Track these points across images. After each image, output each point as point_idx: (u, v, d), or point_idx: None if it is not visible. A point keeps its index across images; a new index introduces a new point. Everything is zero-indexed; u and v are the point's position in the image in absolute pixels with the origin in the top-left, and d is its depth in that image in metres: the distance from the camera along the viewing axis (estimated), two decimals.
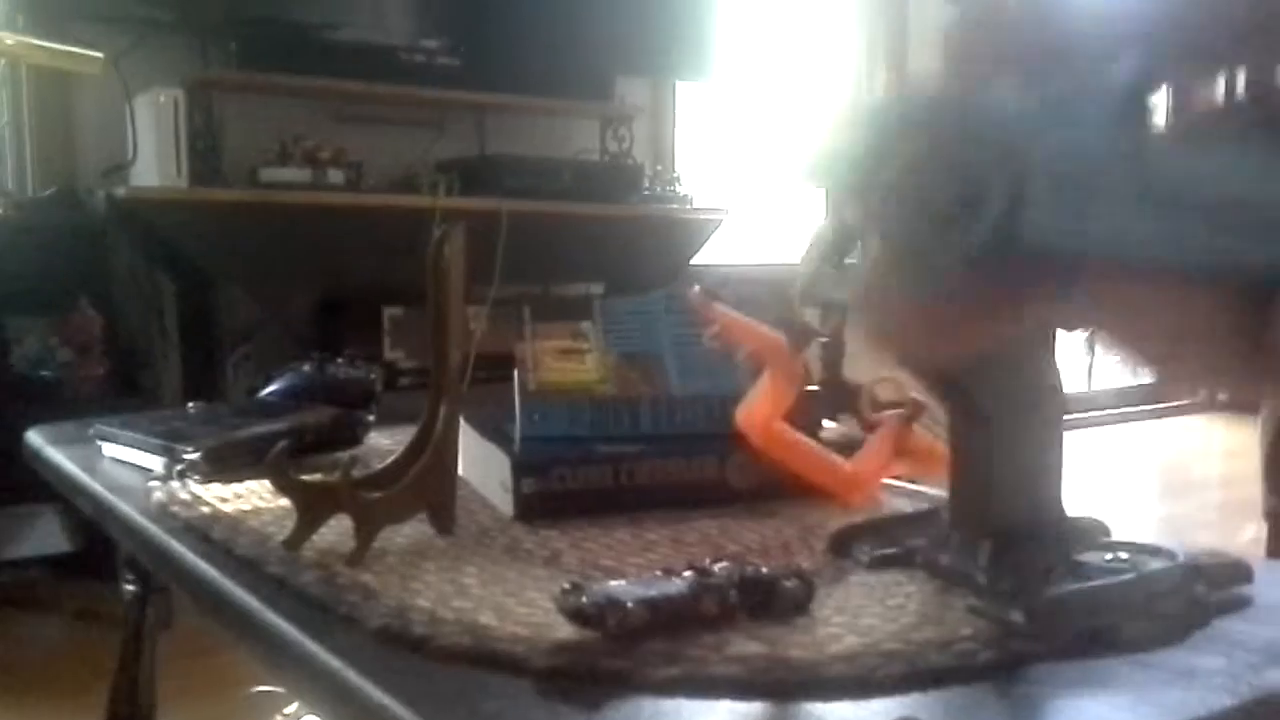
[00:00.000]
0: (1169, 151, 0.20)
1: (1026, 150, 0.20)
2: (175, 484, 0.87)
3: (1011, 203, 0.20)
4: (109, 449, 0.99)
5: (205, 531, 0.74)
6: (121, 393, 2.47)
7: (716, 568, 0.57)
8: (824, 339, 0.86)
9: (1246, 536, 2.65)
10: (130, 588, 1.19)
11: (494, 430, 0.86)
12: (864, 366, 0.83)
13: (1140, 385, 4.62)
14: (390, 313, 2.82)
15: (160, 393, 2.65)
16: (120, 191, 2.53)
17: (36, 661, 2.15)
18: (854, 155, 0.23)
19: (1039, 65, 0.21)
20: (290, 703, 1.69)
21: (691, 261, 3.34)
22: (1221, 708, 0.47)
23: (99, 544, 2.10)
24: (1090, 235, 0.20)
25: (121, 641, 1.21)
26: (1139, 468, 4.08)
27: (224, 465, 0.88)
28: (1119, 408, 4.67)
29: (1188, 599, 0.55)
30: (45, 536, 2.46)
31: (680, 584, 0.55)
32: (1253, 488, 2.15)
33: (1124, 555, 0.58)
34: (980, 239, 0.20)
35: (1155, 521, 3.35)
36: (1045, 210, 0.20)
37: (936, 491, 0.75)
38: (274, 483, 0.68)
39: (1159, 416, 4.78)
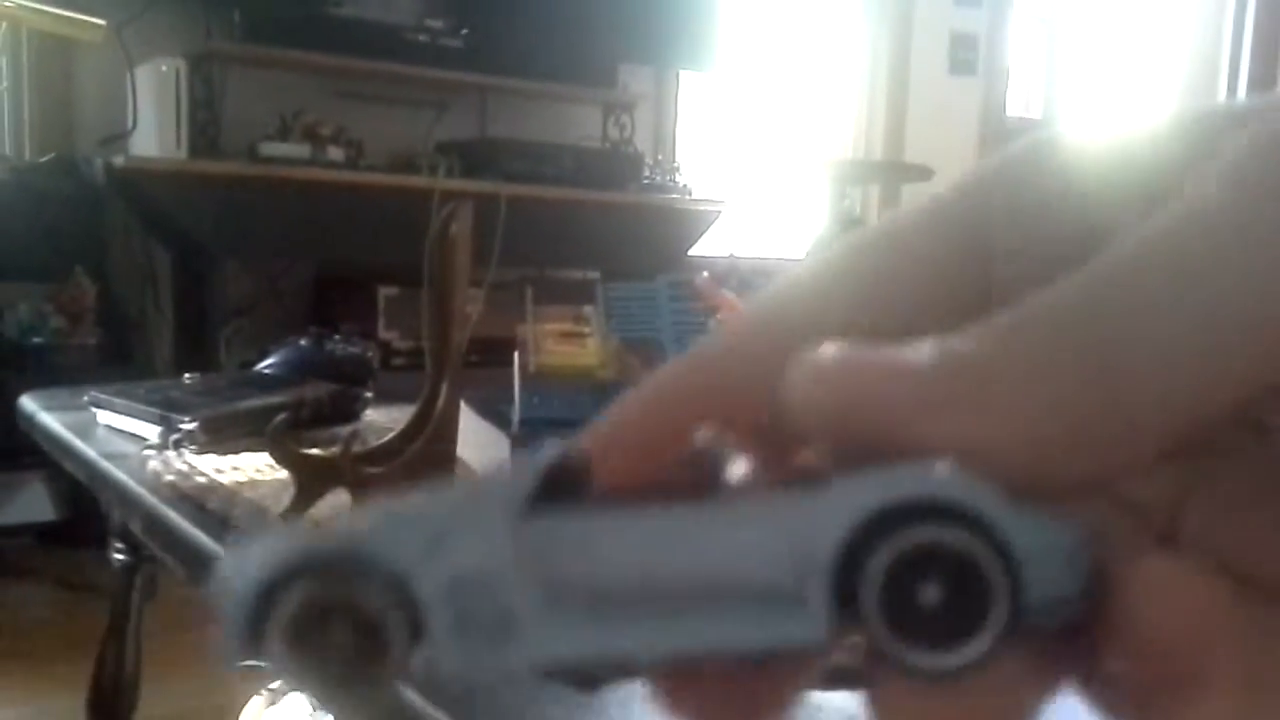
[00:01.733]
0: (576, 537, 0.18)
1: (414, 577, 0.17)
2: (171, 453, 0.87)
3: (413, 643, 0.17)
4: (104, 416, 0.99)
5: (200, 501, 0.74)
6: (112, 363, 2.47)
7: None
8: None
9: None
10: (120, 557, 1.19)
11: (492, 411, 0.86)
12: None
13: None
14: (386, 292, 2.81)
15: (152, 364, 2.65)
16: (119, 160, 2.52)
17: (21, 630, 2.14)
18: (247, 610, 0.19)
19: None
20: (275, 677, 1.69)
21: (690, 252, 3.34)
22: None
23: (86, 513, 2.10)
24: (516, 656, 0.18)
25: (109, 611, 1.21)
26: None
27: (221, 436, 0.88)
28: None
29: None
30: (32, 504, 2.45)
31: None
32: None
33: None
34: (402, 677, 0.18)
35: None
36: (447, 644, 0.17)
37: None
38: (273, 454, 0.68)
39: None
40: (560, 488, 0.19)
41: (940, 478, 0.16)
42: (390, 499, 0.18)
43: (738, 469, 0.19)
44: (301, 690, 0.19)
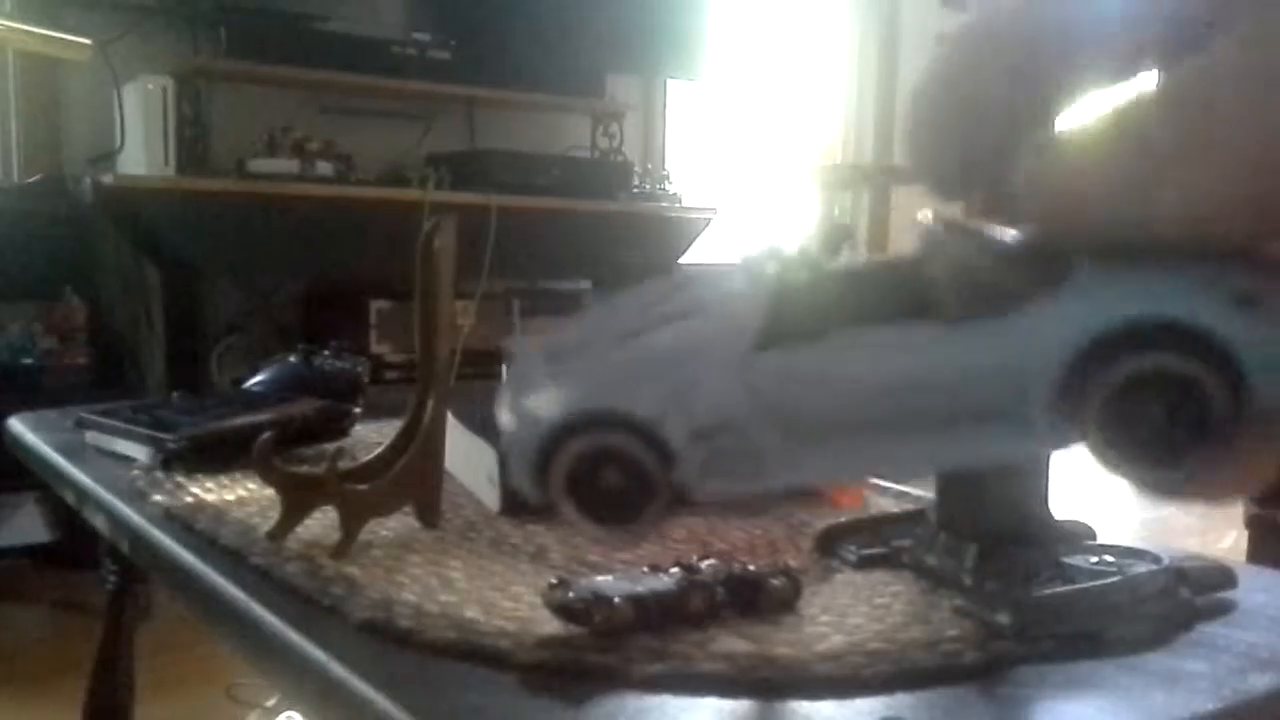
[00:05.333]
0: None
1: (665, 426, 0.20)
2: (159, 473, 0.86)
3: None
4: (92, 437, 0.98)
5: (189, 521, 0.73)
6: (105, 382, 2.46)
7: (704, 565, 0.56)
8: None
9: (1227, 543, 2.67)
10: (111, 578, 1.18)
11: (481, 424, 0.86)
12: None
13: None
14: (377, 306, 2.81)
15: (144, 383, 2.64)
16: (107, 179, 2.51)
17: (15, 652, 2.13)
18: None
19: (1045, 80, 0.20)
20: (272, 695, 1.68)
21: (680, 260, 3.34)
22: (1205, 711, 0.47)
23: (79, 534, 2.09)
24: (760, 486, 0.20)
25: (101, 633, 1.21)
26: None
27: (209, 455, 0.88)
28: None
29: (1172, 603, 0.56)
30: (24, 526, 2.44)
31: (667, 581, 0.55)
32: None
33: (1109, 558, 0.58)
34: None
35: (1137, 526, 3.36)
36: (699, 482, 0.20)
37: (923, 492, 0.75)
38: (260, 473, 0.68)
39: None
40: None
41: (1165, 290, 0.17)
42: (635, 342, 0.20)
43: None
44: (594, 530, 0.22)
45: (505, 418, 0.21)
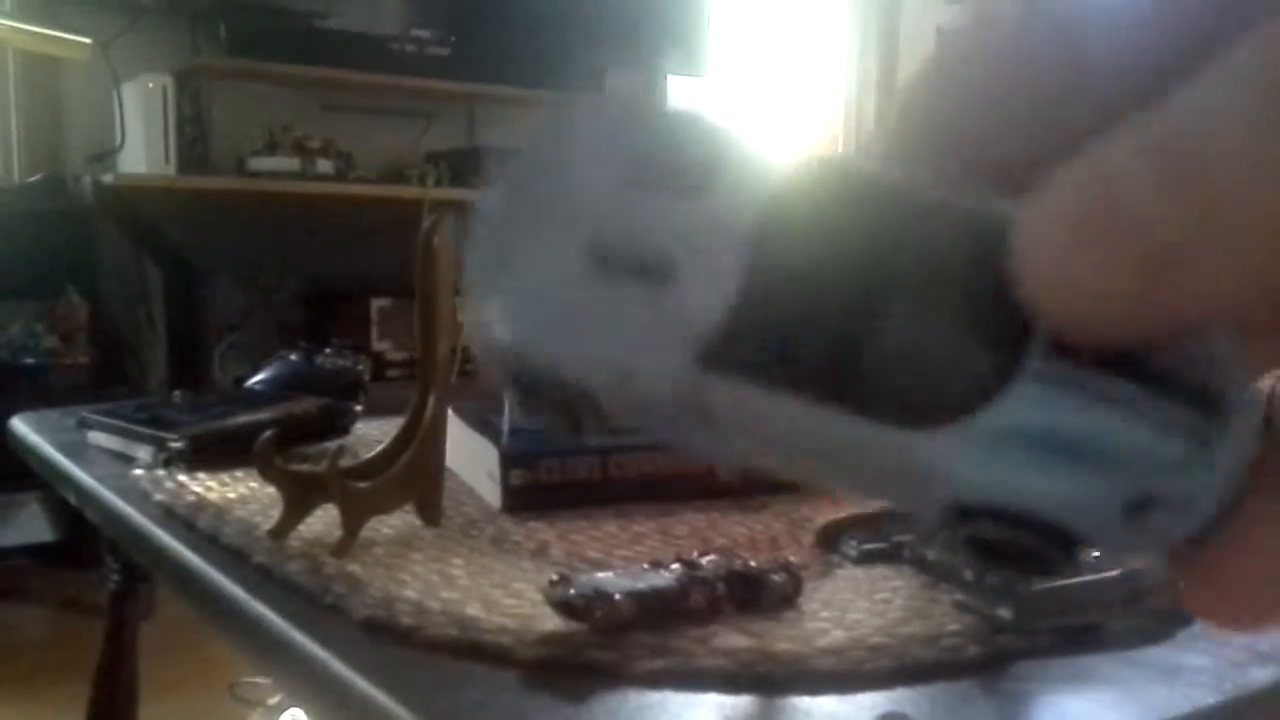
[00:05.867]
0: None
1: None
2: (161, 472, 0.87)
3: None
4: (94, 437, 0.98)
5: (190, 520, 0.74)
6: (107, 381, 2.46)
7: (704, 561, 0.57)
8: None
9: None
10: (114, 577, 1.19)
11: (482, 421, 0.86)
12: None
13: None
14: (378, 303, 2.81)
15: (146, 382, 2.64)
16: (108, 178, 2.51)
17: (19, 651, 2.14)
18: None
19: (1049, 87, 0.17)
20: (275, 694, 1.69)
21: None
22: (1206, 705, 0.47)
23: (83, 533, 2.09)
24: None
25: (104, 632, 1.21)
26: None
27: (210, 454, 0.88)
28: None
29: (1173, 596, 0.56)
30: (29, 525, 2.45)
31: (668, 577, 0.55)
32: None
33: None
34: None
35: None
36: None
37: None
38: (261, 471, 0.68)
39: None
40: None
41: (1060, 486, 0.16)
42: None
43: None
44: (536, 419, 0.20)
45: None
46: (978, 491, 0.16)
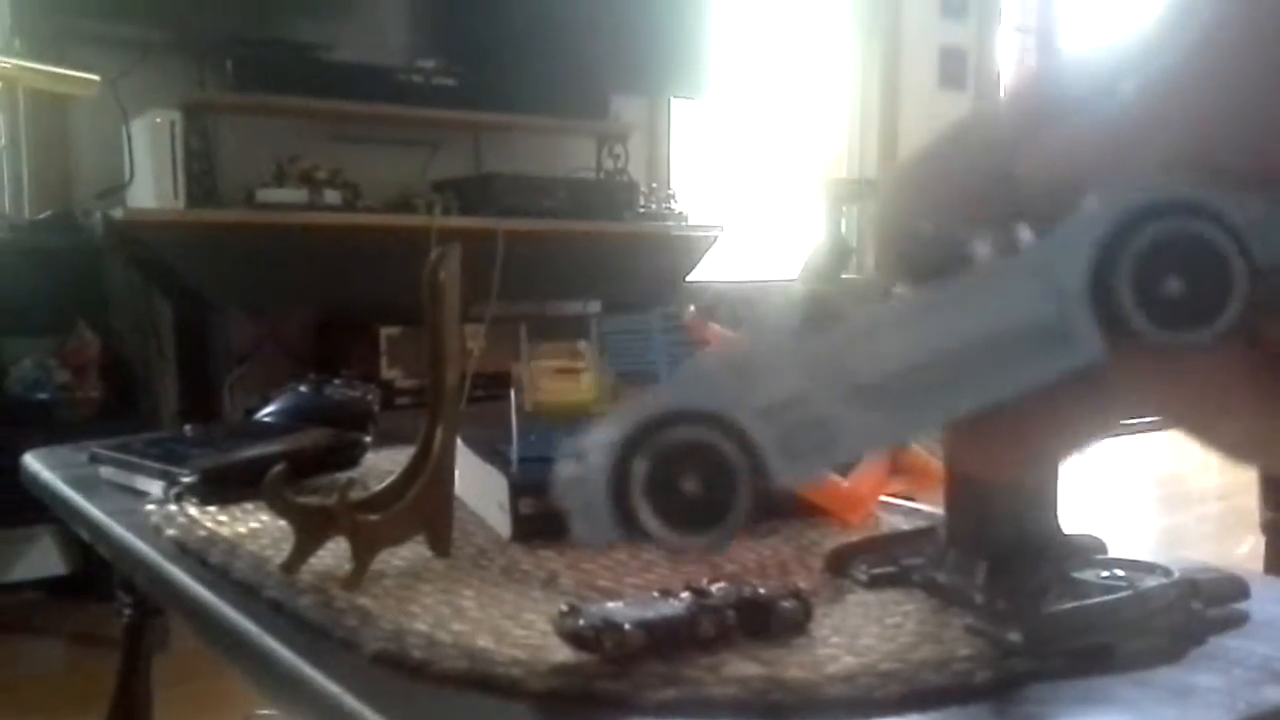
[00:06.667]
0: None
1: (737, 411, 0.22)
2: (172, 507, 0.87)
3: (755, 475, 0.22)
4: (105, 472, 0.99)
5: (202, 555, 0.74)
6: (118, 415, 2.47)
7: (714, 588, 0.57)
8: None
9: (1244, 549, 2.65)
10: (127, 611, 1.19)
11: (491, 451, 0.86)
12: None
13: None
14: (387, 332, 2.82)
15: (157, 415, 2.65)
16: (117, 213, 2.53)
17: (33, 685, 2.14)
18: None
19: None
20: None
21: (688, 278, 3.35)
22: None
23: (96, 566, 2.10)
24: (836, 457, 0.22)
25: (118, 664, 1.21)
26: (1136, 480, 4.08)
27: (221, 488, 0.88)
28: None
29: (1184, 616, 0.55)
30: (42, 559, 2.45)
31: (678, 605, 0.55)
32: (1249, 500, 2.15)
33: (1120, 572, 0.58)
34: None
35: (1153, 534, 3.34)
36: (777, 459, 0.22)
37: (933, 509, 0.75)
38: (271, 505, 0.68)
39: (1156, 429, 4.78)
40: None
41: (1159, 186, 0.19)
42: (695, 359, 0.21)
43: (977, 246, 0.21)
44: (678, 541, 0.22)
45: (566, 468, 0.21)
46: (1127, 205, 0.19)
